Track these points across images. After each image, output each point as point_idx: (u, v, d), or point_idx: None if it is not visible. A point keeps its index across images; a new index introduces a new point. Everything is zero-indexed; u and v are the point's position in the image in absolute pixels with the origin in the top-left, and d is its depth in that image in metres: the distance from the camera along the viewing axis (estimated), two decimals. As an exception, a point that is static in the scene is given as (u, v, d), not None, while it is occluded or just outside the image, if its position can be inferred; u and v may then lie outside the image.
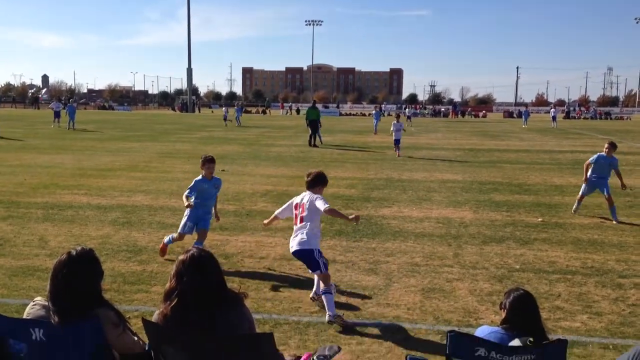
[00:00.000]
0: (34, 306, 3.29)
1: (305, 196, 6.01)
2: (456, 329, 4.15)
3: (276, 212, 6.57)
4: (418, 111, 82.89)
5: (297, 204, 6.02)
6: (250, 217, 10.52)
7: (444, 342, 5.12)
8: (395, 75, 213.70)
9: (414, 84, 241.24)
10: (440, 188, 14.30)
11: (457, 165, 19.42)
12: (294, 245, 5.88)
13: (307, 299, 6.27)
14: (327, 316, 5.54)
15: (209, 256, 3.23)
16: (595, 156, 10.83)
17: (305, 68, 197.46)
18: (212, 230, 9.48)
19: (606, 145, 10.79)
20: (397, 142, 22.66)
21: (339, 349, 3.54)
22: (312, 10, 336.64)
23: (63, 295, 3.12)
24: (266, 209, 11.21)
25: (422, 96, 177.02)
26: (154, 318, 3.16)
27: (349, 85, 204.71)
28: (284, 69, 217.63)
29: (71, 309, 3.09)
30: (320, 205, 5.81)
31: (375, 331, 5.46)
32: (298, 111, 79.75)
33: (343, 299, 6.29)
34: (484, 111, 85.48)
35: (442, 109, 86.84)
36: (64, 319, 3.06)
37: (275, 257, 7.92)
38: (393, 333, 5.41)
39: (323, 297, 5.67)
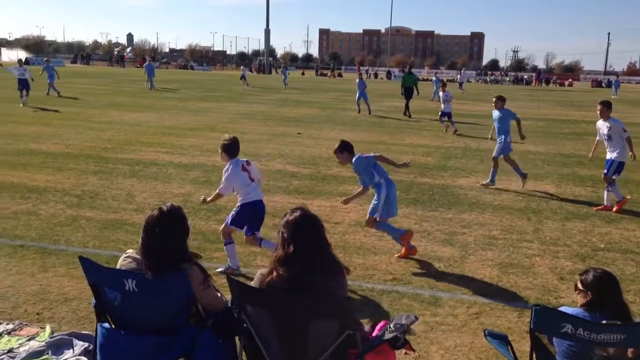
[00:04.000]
0: (126, 258, 3.43)
1: (244, 161, 6.08)
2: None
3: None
4: (500, 78, 79.95)
5: (244, 165, 6.03)
6: (326, 182, 10.59)
7: (522, 319, 5.06)
8: (476, 39, 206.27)
9: (495, 49, 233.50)
10: (520, 159, 13.76)
11: (539, 136, 18.67)
12: (261, 197, 6.11)
13: (382, 266, 6.30)
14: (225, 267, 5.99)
15: (316, 217, 3.27)
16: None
17: (383, 31, 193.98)
18: (288, 193, 9.66)
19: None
20: (445, 115, 18.87)
21: (416, 318, 3.51)
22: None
23: (154, 249, 3.23)
24: (341, 173, 11.25)
25: (504, 62, 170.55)
26: (257, 279, 3.18)
27: (427, 50, 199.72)
28: (361, 31, 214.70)
29: (161, 262, 3.20)
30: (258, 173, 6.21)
31: (450, 303, 5.42)
32: (376, 75, 78.64)
33: (418, 269, 6.28)
34: (570, 80, 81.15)
35: (525, 76, 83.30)
36: (155, 271, 3.18)
37: (349, 223, 7.96)
38: (468, 307, 5.36)
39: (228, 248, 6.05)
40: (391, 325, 3.39)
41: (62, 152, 12.57)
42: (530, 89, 59.92)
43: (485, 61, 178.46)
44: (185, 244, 3.37)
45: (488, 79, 79.94)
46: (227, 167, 6.02)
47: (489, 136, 11.01)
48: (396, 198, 6.70)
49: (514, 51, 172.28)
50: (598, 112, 9.18)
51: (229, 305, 3.35)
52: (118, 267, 3.42)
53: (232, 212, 6.07)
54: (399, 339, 3.35)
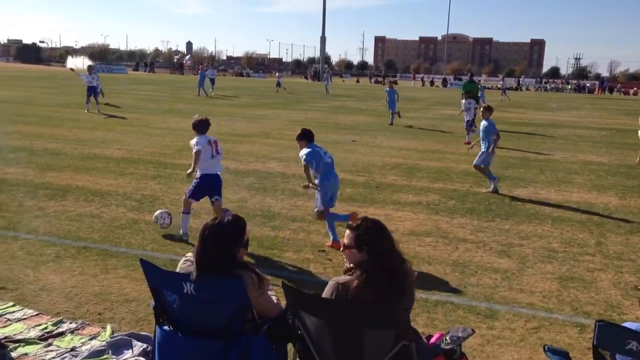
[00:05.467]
0: (186, 262, 3.49)
1: (212, 138, 7.09)
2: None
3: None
4: (560, 86, 77.79)
5: (210, 141, 7.02)
6: (380, 190, 10.54)
7: (582, 335, 4.88)
8: (536, 46, 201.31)
9: (556, 57, 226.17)
10: (582, 170, 13.40)
11: (603, 146, 18.04)
12: (221, 170, 7.18)
13: (436, 276, 6.21)
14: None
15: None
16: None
17: (439, 38, 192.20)
18: (342, 201, 9.65)
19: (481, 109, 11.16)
20: (469, 124, 18.47)
21: (473, 331, 3.44)
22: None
23: (210, 255, 3.29)
24: (396, 182, 11.18)
25: (565, 70, 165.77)
26: (333, 288, 3.14)
27: (485, 57, 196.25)
28: (417, 39, 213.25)
29: (217, 268, 3.26)
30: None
31: (508, 316, 5.28)
32: (432, 83, 77.83)
33: (474, 279, 6.16)
34: (635, 88, 77.97)
35: (588, 84, 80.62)
36: (204, 277, 3.24)
37: (403, 232, 7.89)
38: (526, 321, 5.21)
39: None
40: (447, 338, 3.33)
41: (124, 157, 13.00)
42: (592, 98, 58.02)
43: (545, 69, 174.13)
44: (236, 255, 3.35)
45: (548, 87, 77.87)
46: (195, 139, 7.02)
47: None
48: (336, 192, 7.32)
49: (575, 58, 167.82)
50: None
51: (285, 311, 3.37)
52: (178, 270, 3.49)
53: (192, 185, 7.12)
54: (455, 351, 3.29)
